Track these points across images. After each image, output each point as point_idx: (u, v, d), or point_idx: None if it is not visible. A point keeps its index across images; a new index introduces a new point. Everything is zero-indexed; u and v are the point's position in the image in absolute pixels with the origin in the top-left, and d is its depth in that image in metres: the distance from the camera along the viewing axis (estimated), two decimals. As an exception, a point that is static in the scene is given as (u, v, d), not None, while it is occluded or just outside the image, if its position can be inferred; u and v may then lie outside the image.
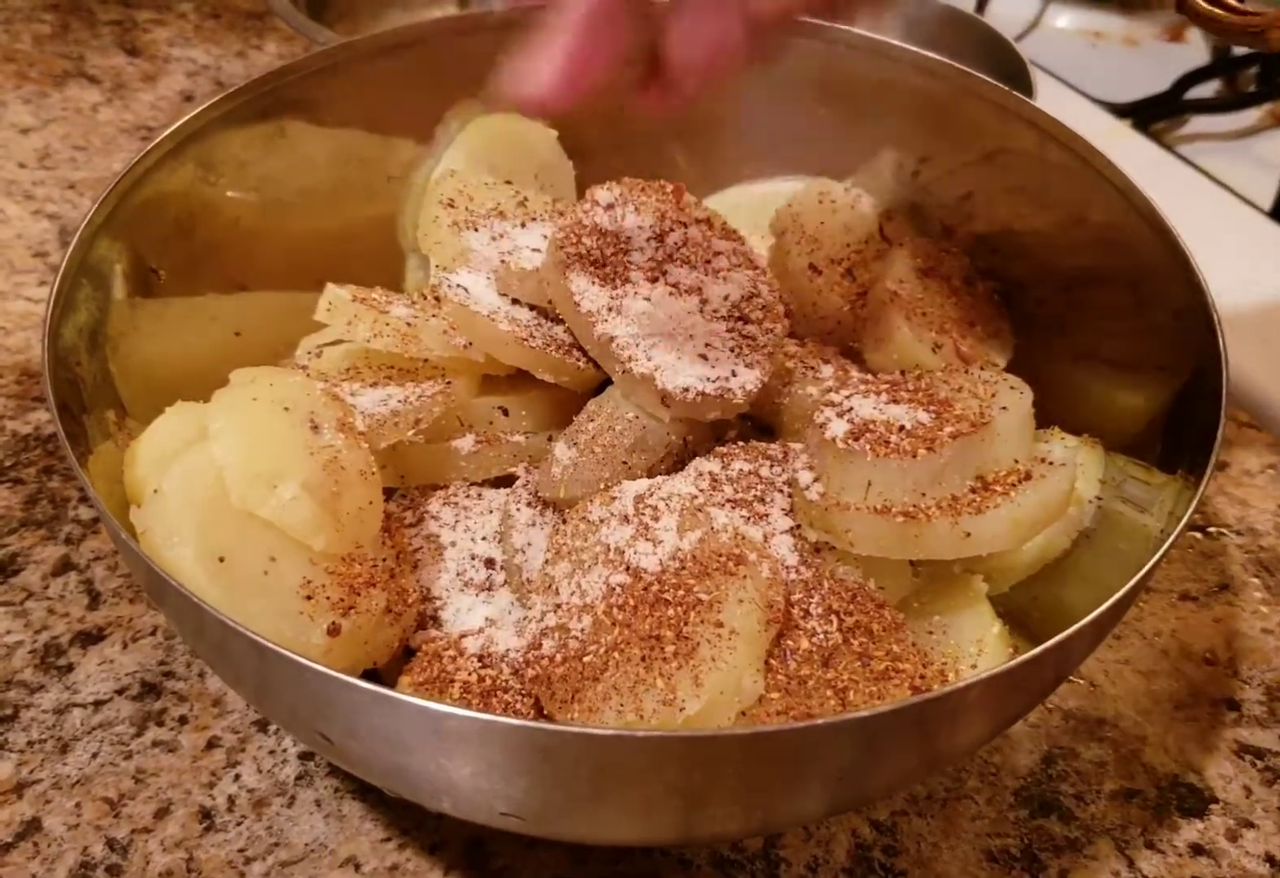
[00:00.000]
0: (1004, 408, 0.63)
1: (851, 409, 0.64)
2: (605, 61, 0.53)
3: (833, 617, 0.59)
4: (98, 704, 0.71)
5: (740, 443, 0.69)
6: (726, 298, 0.70)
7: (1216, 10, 0.68)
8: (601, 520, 0.61)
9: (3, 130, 1.19)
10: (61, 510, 0.82)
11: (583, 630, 0.57)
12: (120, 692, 0.72)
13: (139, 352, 0.69)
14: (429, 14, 1.28)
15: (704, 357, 0.67)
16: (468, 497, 0.69)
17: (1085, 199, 0.74)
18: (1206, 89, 1.34)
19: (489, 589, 0.66)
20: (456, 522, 0.68)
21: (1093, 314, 0.77)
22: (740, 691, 0.54)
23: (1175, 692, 0.75)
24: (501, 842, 0.65)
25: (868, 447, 0.61)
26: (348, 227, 0.83)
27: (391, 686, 0.59)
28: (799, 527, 0.63)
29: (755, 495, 0.65)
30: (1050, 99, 0.95)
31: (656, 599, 0.56)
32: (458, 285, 0.71)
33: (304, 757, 0.69)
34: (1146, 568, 0.53)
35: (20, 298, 0.99)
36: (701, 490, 0.64)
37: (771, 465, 0.67)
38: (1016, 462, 0.62)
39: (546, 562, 0.62)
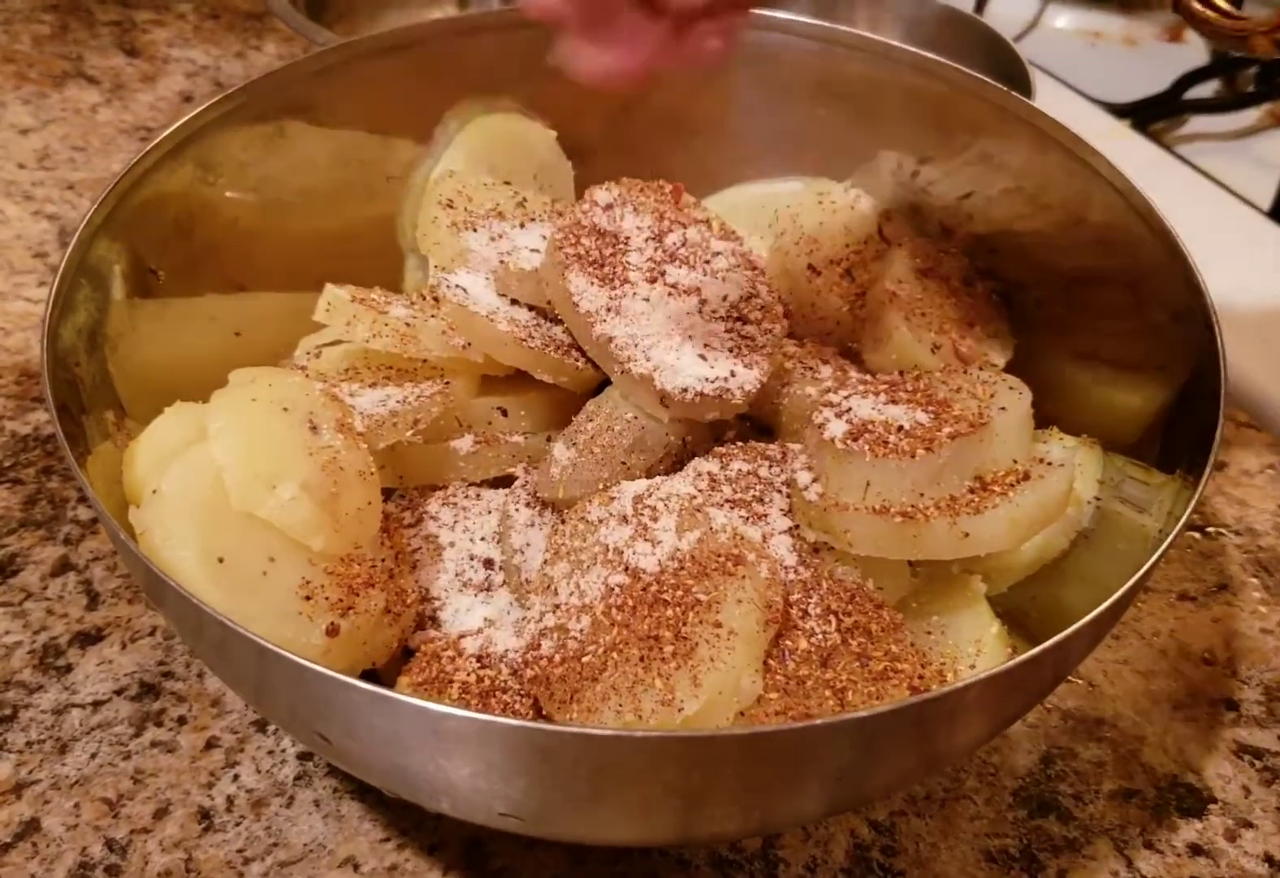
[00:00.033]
0: (1002, 408, 0.63)
1: (850, 410, 0.64)
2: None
3: (831, 617, 0.59)
4: (96, 705, 0.71)
5: (739, 443, 0.69)
6: (725, 298, 0.70)
7: (1209, 12, 0.68)
8: (600, 521, 0.61)
9: (2, 131, 1.19)
10: (60, 511, 0.82)
11: (581, 631, 0.57)
12: (119, 692, 0.72)
13: (138, 352, 0.69)
14: (428, 14, 1.28)
15: (703, 357, 0.67)
16: (466, 497, 0.69)
17: (1084, 199, 0.74)
18: (1206, 89, 1.34)
19: (488, 590, 0.66)
20: (455, 522, 0.68)
21: (1091, 314, 0.77)
22: (739, 691, 0.54)
23: (1174, 692, 0.75)
24: (500, 842, 0.65)
25: (866, 447, 0.61)
26: (347, 227, 0.83)
27: (390, 686, 0.59)
28: (798, 527, 0.63)
29: (754, 496, 0.65)
30: (1049, 99, 0.95)
31: (655, 600, 0.56)
32: (456, 286, 0.71)
33: (303, 757, 0.69)
34: (1145, 568, 0.53)
35: (19, 298, 0.99)
36: (700, 491, 0.64)
37: (770, 466, 0.67)
38: (1015, 462, 0.62)
39: (545, 562, 0.62)
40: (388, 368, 0.71)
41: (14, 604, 0.76)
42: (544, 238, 0.75)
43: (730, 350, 0.68)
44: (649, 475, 0.66)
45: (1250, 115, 1.31)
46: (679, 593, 0.56)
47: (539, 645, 0.58)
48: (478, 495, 0.70)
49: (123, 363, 0.67)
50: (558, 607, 0.58)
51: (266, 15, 1.39)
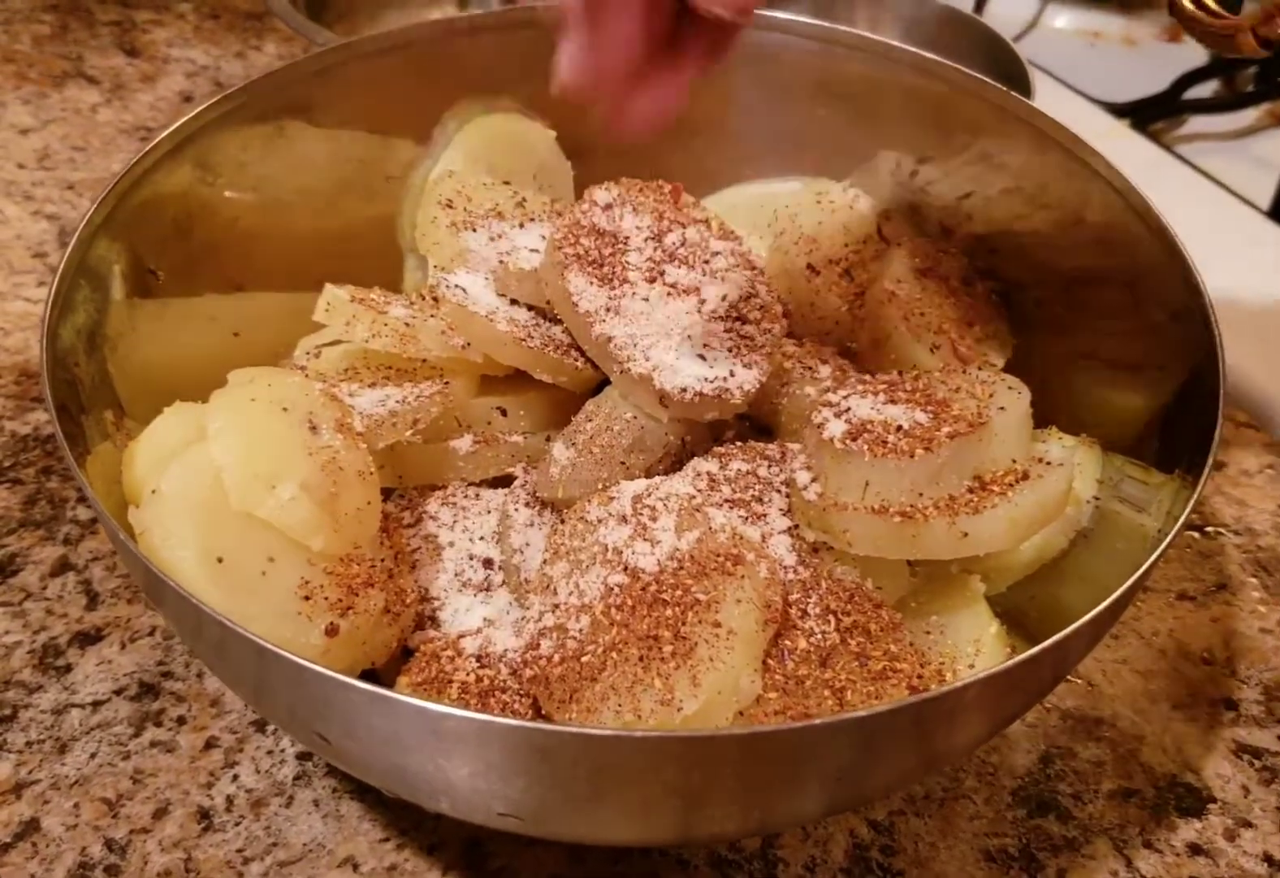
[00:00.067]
0: (1001, 408, 0.63)
1: (849, 409, 0.64)
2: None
3: (830, 617, 0.59)
4: (96, 705, 0.71)
5: (738, 443, 0.69)
6: (724, 298, 0.70)
7: (1199, 13, 0.68)
8: (599, 521, 0.61)
9: (2, 131, 1.19)
10: (60, 511, 0.82)
11: (581, 631, 0.57)
12: (118, 692, 0.72)
13: (137, 352, 0.69)
14: (427, 15, 1.28)
15: (702, 357, 0.67)
16: (466, 497, 0.69)
17: (1083, 199, 0.74)
18: (1205, 89, 1.34)
19: (487, 589, 0.66)
20: (455, 522, 0.68)
21: (1091, 314, 0.77)
22: (738, 691, 0.54)
23: (1173, 692, 0.75)
24: (500, 842, 0.65)
25: (865, 447, 0.61)
26: (346, 227, 0.83)
27: (390, 686, 0.59)
28: (797, 527, 0.63)
29: (753, 495, 0.65)
30: (1049, 99, 0.95)
31: (654, 599, 0.56)
32: (456, 286, 0.71)
33: (302, 757, 0.69)
34: (1144, 568, 0.53)
35: (19, 298, 0.99)
36: (699, 490, 0.64)
37: (769, 465, 0.67)
38: (1014, 462, 0.62)
39: (544, 562, 0.62)
40: (387, 368, 0.71)
41: (13, 604, 0.76)
42: (543, 238, 0.75)
43: (729, 350, 0.68)
44: (648, 475, 0.66)
45: (1249, 115, 1.31)
46: (678, 593, 0.56)
47: (538, 645, 0.58)
48: (477, 495, 0.70)
49: (122, 363, 0.67)
50: (557, 607, 0.59)
51: (266, 15, 1.39)
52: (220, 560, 0.55)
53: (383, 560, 0.61)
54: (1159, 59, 1.39)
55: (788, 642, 0.57)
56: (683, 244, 0.71)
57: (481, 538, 0.67)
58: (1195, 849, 0.67)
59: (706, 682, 0.53)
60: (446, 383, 0.69)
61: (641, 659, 0.54)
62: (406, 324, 0.69)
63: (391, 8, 1.27)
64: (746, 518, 0.63)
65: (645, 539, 0.59)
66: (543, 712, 0.57)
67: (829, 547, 0.62)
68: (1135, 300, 0.73)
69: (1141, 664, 0.76)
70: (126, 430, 0.65)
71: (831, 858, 0.66)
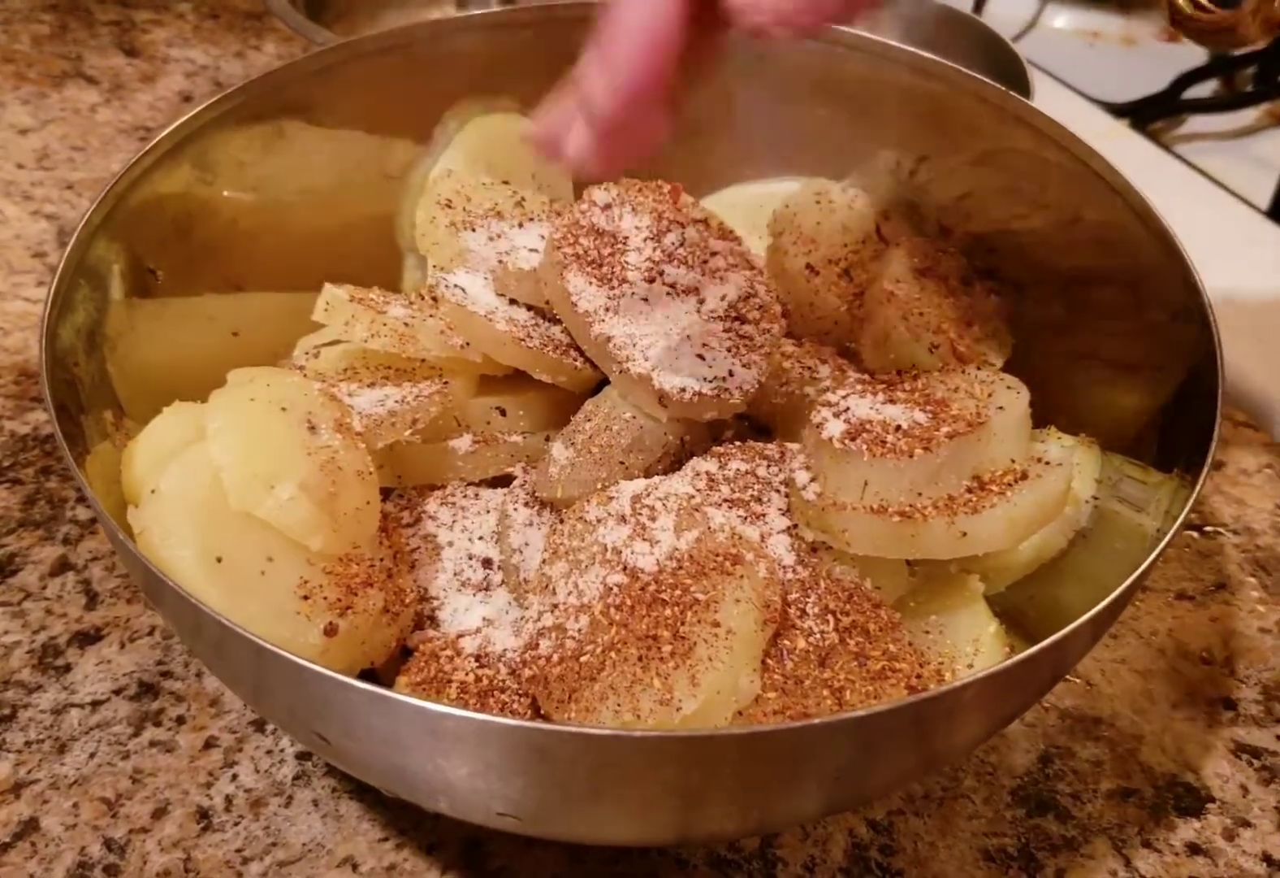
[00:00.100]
0: (1000, 408, 0.63)
1: (848, 409, 0.64)
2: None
3: (829, 616, 0.59)
4: (95, 704, 0.71)
5: (737, 443, 0.69)
6: (724, 298, 0.70)
7: (1199, 13, 0.68)
8: (599, 520, 0.61)
9: (1, 131, 1.19)
10: (59, 511, 0.82)
11: (580, 630, 0.57)
12: (118, 692, 0.72)
13: (137, 352, 0.69)
14: (427, 14, 1.28)
15: (701, 357, 0.67)
16: (465, 497, 0.69)
17: (1083, 199, 0.74)
18: (1204, 89, 1.34)
19: (486, 589, 0.66)
20: (454, 522, 0.68)
21: (1090, 314, 0.77)
22: (737, 690, 0.54)
23: (1172, 691, 0.75)
24: (499, 842, 0.65)
25: (864, 447, 0.61)
26: (345, 227, 0.83)
27: (389, 686, 0.59)
28: (796, 526, 0.63)
29: (752, 495, 0.65)
30: (1048, 99, 0.95)
31: (653, 599, 0.56)
32: (455, 285, 0.71)
33: (301, 757, 0.69)
34: (1143, 567, 0.53)
35: (18, 298, 0.99)
36: (698, 490, 0.64)
37: (768, 465, 0.67)
38: (1013, 461, 0.62)
39: (544, 562, 0.62)
40: (386, 368, 0.71)
41: (13, 604, 0.76)
42: (542, 238, 0.75)
43: (729, 350, 0.68)
44: (647, 475, 0.66)
45: (1249, 115, 1.31)
46: (677, 593, 0.56)
47: (537, 645, 0.58)
48: (476, 495, 0.70)
49: (121, 363, 0.67)
50: (556, 606, 0.59)
51: (266, 15, 1.39)
52: (219, 560, 0.55)
53: (382, 560, 0.61)
54: (1158, 59, 1.39)
55: (786, 642, 0.57)
56: (682, 244, 0.71)
57: (480, 538, 0.67)
58: (1194, 849, 0.67)
59: (705, 681, 0.53)
60: (445, 383, 0.69)
61: (640, 659, 0.54)
62: (405, 324, 0.69)
63: (391, 8, 1.27)
64: (745, 518, 0.63)
65: (644, 539, 0.59)
66: (541, 712, 0.57)
67: (828, 546, 0.62)
68: (1134, 300, 0.73)
69: (1140, 664, 0.76)
70: (126, 430, 0.65)
71: (830, 858, 0.66)
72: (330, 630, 0.56)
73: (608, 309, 0.67)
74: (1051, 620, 0.53)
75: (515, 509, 0.67)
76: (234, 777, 0.68)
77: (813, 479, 0.63)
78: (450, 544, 0.67)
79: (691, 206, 0.75)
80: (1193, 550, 0.84)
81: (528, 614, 0.60)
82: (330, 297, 0.70)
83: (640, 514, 0.60)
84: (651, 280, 0.69)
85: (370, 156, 0.83)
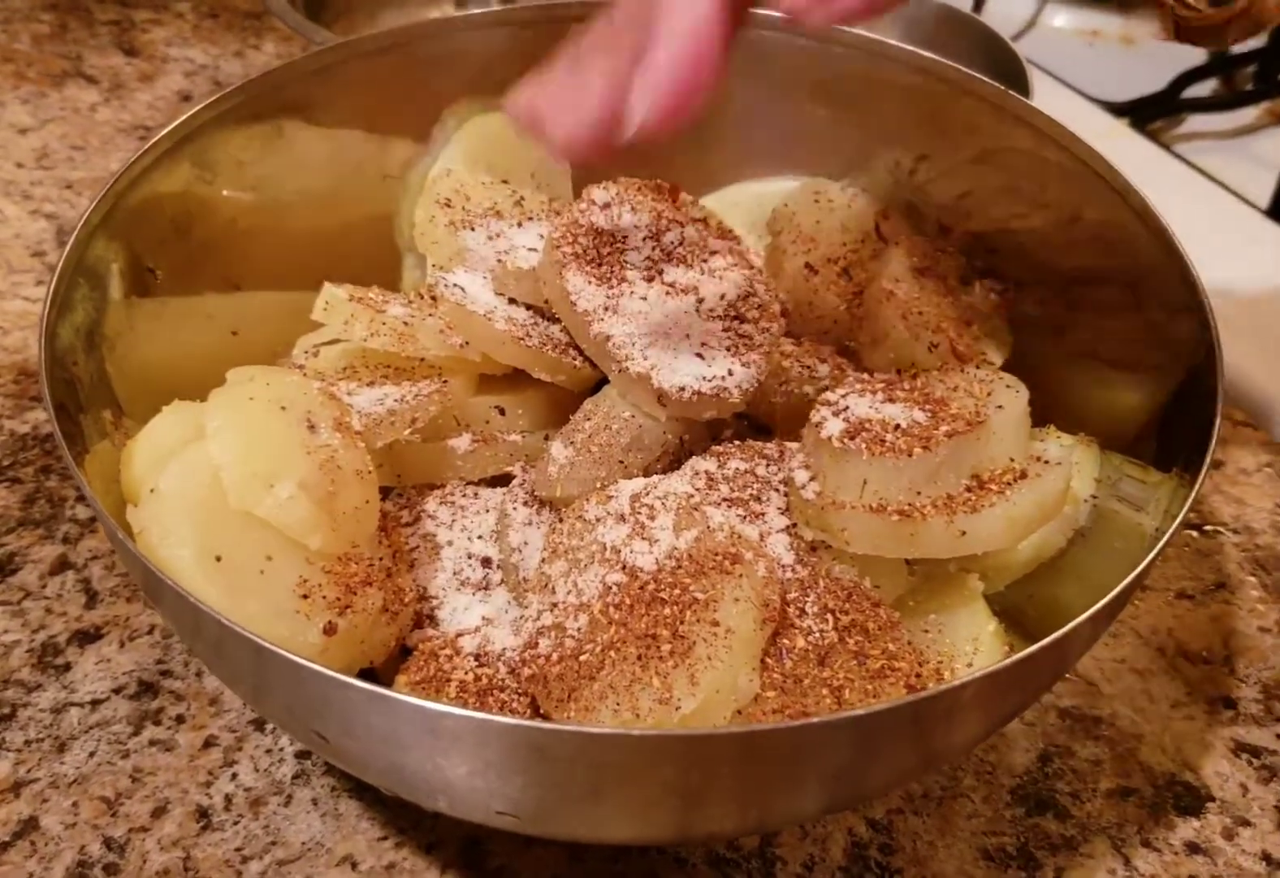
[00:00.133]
0: (1000, 407, 0.63)
1: (847, 408, 0.64)
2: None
3: (828, 615, 0.59)
4: (95, 703, 0.71)
5: (736, 442, 0.69)
6: (723, 297, 0.70)
7: (1193, 14, 0.68)
8: (598, 519, 0.61)
9: (1, 130, 1.19)
10: (59, 510, 0.82)
11: (579, 630, 0.57)
12: (117, 691, 0.72)
13: (136, 351, 0.69)
14: (426, 13, 1.28)
15: (700, 356, 0.67)
16: (464, 496, 0.69)
17: (1082, 198, 0.74)
18: (1204, 88, 1.34)
19: (485, 588, 0.66)
20: (453, 521, 0.68)
21: (1089, 313, 0.77)
22: (736, 689, 0.54)
23: (1172, 690, 0.75)
24: (498, 841, 0.65)
25: (863, 445, 0.61)
26: (345, 226, 0.83)
27: (388, 685, 0.59)
28: (795, 525, 0.63)
29: (751, 494, 0.65)
30: (1047, 98, 0.95)
31: (653, 598, 0.56)
32: (454, 285, 0.71)
33: (301, 756, 0.69)
34: (1142, 566, 0.53)
35: (18, 297, 0.99)
36: (698, 489, 0.64)
37: (767, 464, 0.67)
38: (1012, 460, 0.62)
39: (543, 561, 0.62)
40: (385, 367, 0.71)
41: (12, 603, 0.76)
42: (541, 237, 0.74)
43: (728, 349, 0.68)
44: (646, 474, 0.66)
45: (1248, 114, 1.31)
46: (676, 592, 0.56)
47: (536, 644, 0.58)
48: (475, 494, 0.70)
49: (120, 362, 0.67)
50: (555, 605, 0.59)
51: (265, 14, 1.39)
52: (218, 559, 0.55)
53: (381, 559, 0.61)
54: (1158, 58, 1.38)
55: (786, 641, 0.57)
56: (681, 243, 0.71)
57: (480, 537, 0.67)
58: (1193, 848, 0.67)
59: (705, 681, 0.53)
60: (445, 382, 0.69)
61: (640, 658, 0.54)
62: (405, 323, 0.69)
63: (390, 7, 1.27)
64: (745, 517, 0.63)
65: (643, 538, 0.59)
66: (541, 711, 0.57)
67: (827, 545, 0.62)
68: (1134, 299, 0.73)
69: (1140, 663, 0.76)
70: (125, 429, 0.65)
71: (830, 857, 0.66)
72: (329, 629, 0.56)
73: (607, 308, 0.67)
74: (1051, 619, 0.53)
75: (514, 508, 0.67)
76: (233, 776, 0.68)
77: (812, 478, 0.63)
78: (449, 543, 0.67)
79: (690, 205, 0.75)
80: (1192, 550, 0.84)
81: (527, 613, 0.60)
82: (329, 296, 0.70)
83: (639, 513, 0.60)
84: (650, 279, 0.69)
85: (369, 156, 0.83)
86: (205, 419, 0.59)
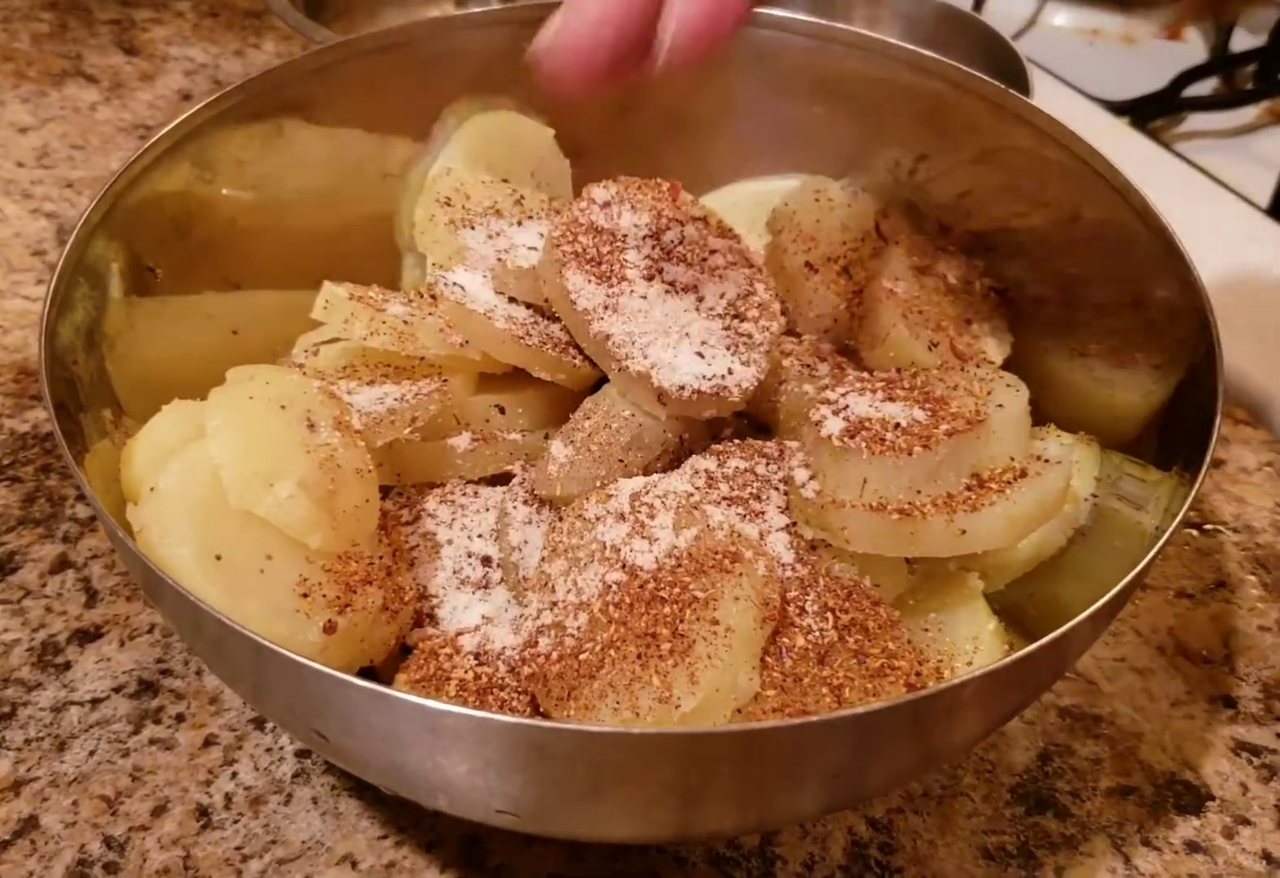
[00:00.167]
0: (1000, 406, 0.63)
1: (847, 407, 0.64)
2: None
3: (828, 614, 0.59)
4: (95, 702, 0.71)
5: (736, 441, 0.69)
6: (723, 296, 0.70)
7: None
8: (598, 518, 0.61)
9: (1, 129, 1.19)
10: (59, 509, 0.82)
11: (579, 628, 0.57)
12: (117, 690, 0.72)
13: (136, 350, 0.69)
14: (426, 12, 1.28)
15: (700, 354, 0.67)
16: (464, 495, 0.69)
17: (1082, 197, 0.74)
18: (1204, 86, 1.34)
19: (485, 587, 0.66)
20: (453, 520, 0.68)
21: (1089, 312, 0.77)
22: (736, 688, 0.54)
23: (1172, 689, 0.75)
24: (498, 839, 0.65)
25: (863, 444, 0.61)
26: (345, 225, 0.83)
27: (388, 683, 0.59)
28: (795, 524, 0.63)
29: (751, 493, 0.65)
30: (1047, 97, 0.95)
31: (652, 597, 0.56)
32: (454, 283, 0.71)
33: (301, 754, 0.69)
34: (1142, 565, 0.53)
35: (18, 296, 0.99)
36: (697, 488, 0.64)
37: (767, 463, 0.67)
38: (1012, 459, 0.62)
39: (543, 559, 0.62)
40: (385, 365, 0.71)
41: (13, 602, 0.76)
42: (541, 236, 0.75)
43: (728, 348, 0.68)
44: (646, 473, 0.66)
45: (1248, 113, 1.31)
46: (676, 590, 0.56)
47: (536, 643, 0.58)
48: (475, 493, 0.70)
49: (120, 361, 0.67)
50: (555, 604, 0.59)
51: (265, 13, 1.39)
52: (218, 558, 0.55)
53: (381, 558, 0.61)
54: (1158, 57, 1.39)
55: (785, 639, 0.57)
56: (681, 242, 0.71)
57: (480, 536, 0.67)
58: (1193, 847, 0.67)
59: (704, 679, 0.53)
60: (445, 380, 0.69)
61: (639, 657, 0.54)
62: (405, 322, 0.69)
63: (390, 6, 1.27)
64: (744, 516, 0.63)
65: (643, 537, 0.59)
66: (541, 709, 0.57)
67: (827, 544, 0.62)
68: (1133, 298, 0.73)
69: (1140, 662, 0.76)
70: (125, 428, 0.65)
71: (830, 856, 0.66)
72: (329, 628, 0.56)
73: (607, 307, 0.67)
74: (1051, 618, 0.53)
75: (514, 507, 0.67)
76: (233, 775, 0.68)
77: (812, 477, 0.63)
78: (449, 542, 0.67)
79: (691, 204, 0.75)
80: (1192, 548, 0.84)
81: (527, 612, 0.60)
82: (329, 294, 0.70)
83: (639, 512, 0.60)
84: (650, 278, 0.69)
85: (369, 155, 0.83)
86: (205, 418, 0.59)
